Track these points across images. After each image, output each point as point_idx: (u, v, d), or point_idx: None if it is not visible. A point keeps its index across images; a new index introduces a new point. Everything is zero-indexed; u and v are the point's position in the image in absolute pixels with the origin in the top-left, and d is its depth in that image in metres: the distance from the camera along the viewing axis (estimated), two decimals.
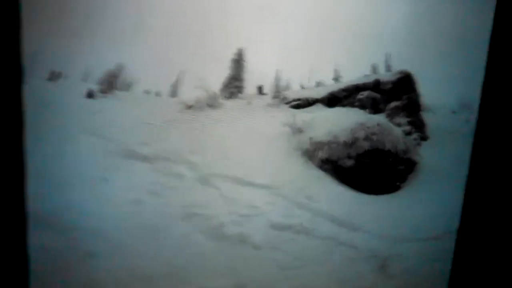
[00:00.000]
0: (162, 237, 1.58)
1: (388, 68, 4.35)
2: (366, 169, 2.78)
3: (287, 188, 2.16)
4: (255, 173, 2.21)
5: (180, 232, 1.61)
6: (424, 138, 3.65)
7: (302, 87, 4.14)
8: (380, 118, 3.14)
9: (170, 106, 3.36)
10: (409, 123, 3.58)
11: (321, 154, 2.84)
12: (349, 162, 2.78)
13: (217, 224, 1.83)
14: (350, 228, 1.95)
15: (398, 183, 2.90)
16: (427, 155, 2.95)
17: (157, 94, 4.98)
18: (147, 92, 4.77)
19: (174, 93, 4.84)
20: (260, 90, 4.00)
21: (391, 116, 3.48)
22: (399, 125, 3.34)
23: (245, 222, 1.88)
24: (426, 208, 1.97)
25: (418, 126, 3.61)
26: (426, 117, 3.82)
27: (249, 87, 2.99)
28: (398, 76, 3.92)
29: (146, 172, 2.13)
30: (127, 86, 4.54)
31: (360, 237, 1.80)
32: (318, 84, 4.48)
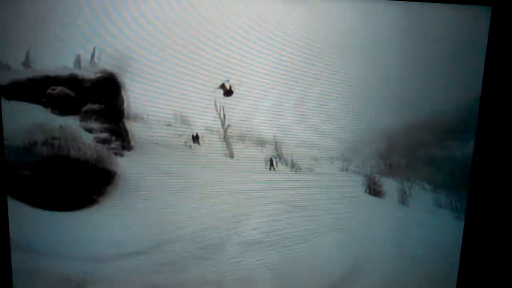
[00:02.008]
0: None
1: (94, 63, 3.86)
2: (47, 180, 2.18)
3: None
4: None
5: None
6: (126, 148, 3.48)
7: None
8: (66, 120, 2.63)
9: None
10: (107, 130, 3.32)
11: None
12: (26, 172, 2.12)
13: None
14: (29, 252, 1.51)
15: (93, 197, 2.52)
16: (130, 166, 2.78)
17: None
18: None
19: None
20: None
21: (84, 119, 3.11)
22: (91, 130, 3.01)
23: None
24: (128, 221, 1.81)
25: (119, 134, 3.38)
26: (135, 126, 3.59)
27: None
28: (99, 75, 3.43)
29: None
30: None
31: (45, 262, 1.41)
32: (3, 67, 3.38)
